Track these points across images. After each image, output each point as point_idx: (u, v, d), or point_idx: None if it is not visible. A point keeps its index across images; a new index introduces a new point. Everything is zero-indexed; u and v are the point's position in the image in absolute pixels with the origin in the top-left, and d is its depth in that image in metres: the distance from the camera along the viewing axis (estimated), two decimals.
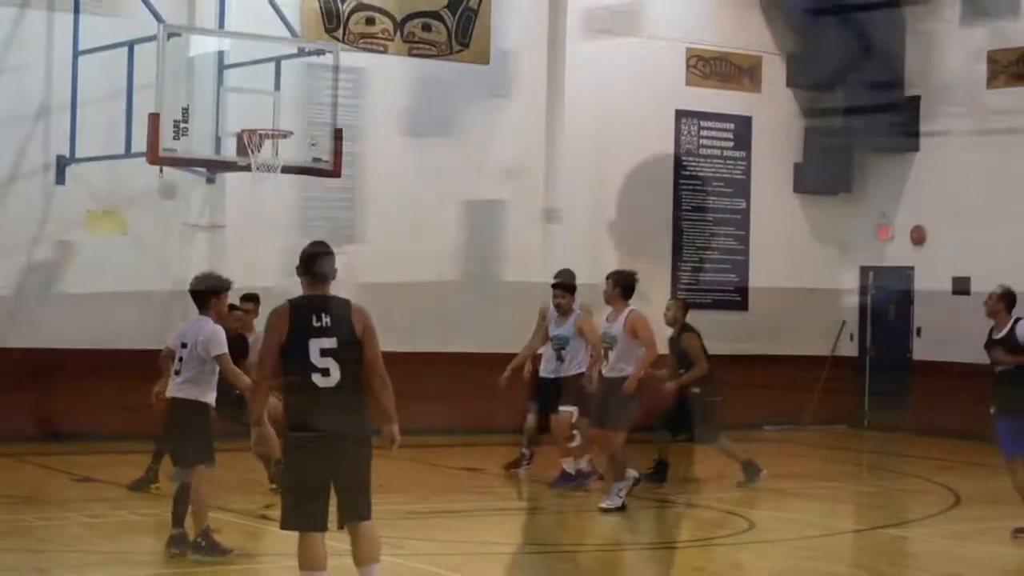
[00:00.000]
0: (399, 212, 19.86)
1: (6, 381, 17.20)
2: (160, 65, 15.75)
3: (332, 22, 19.59)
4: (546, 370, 15.36)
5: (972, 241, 21.31)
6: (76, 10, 17.63)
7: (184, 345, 10.93)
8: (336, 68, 16.96)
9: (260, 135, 16.42)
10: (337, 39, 19.10)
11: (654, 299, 15.91)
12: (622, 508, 13.50)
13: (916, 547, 12.92)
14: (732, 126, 22.53)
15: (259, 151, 16.35)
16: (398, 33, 20.06)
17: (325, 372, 8.26)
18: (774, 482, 15.75)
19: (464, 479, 16.07)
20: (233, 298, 12.69)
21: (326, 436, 8.24)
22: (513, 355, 15.78)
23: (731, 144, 22.55)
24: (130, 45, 16.58)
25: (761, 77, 22.71)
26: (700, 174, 22.28)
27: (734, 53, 22.43)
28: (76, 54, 17.57)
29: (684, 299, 17.09)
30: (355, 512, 8.36)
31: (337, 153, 16.94)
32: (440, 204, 19.98)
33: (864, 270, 23.27)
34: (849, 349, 23.27)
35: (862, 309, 23.23)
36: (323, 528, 8.32)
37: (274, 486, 14.05)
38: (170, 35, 15.92)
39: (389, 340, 8.92)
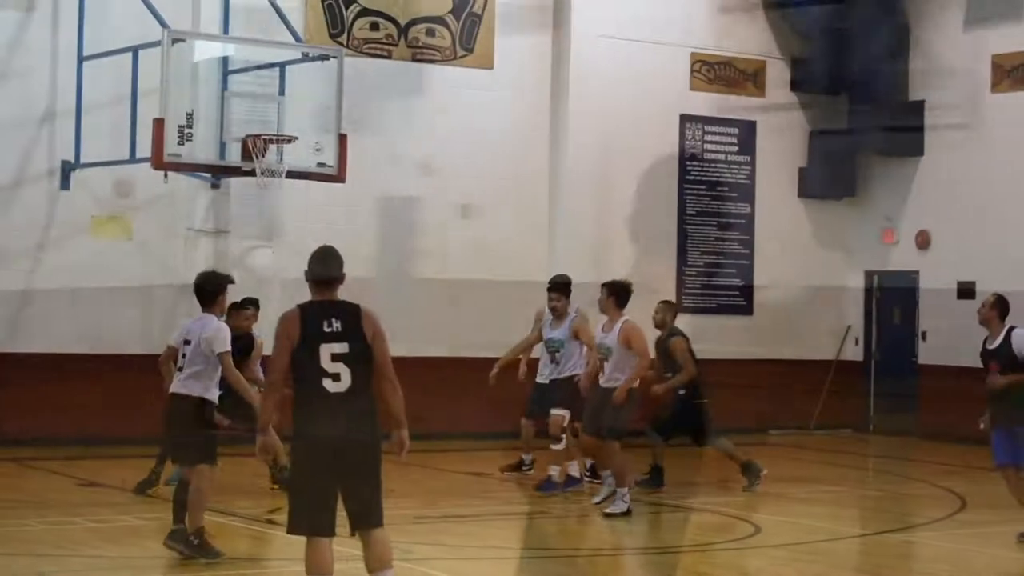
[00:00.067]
0: (396, 214, 19.93)
1: (12, 385, 17.22)
2: (164, 70, 15.79)
3: (336, 27, 19.60)
4: (541, 375, 15.43)
5: (977, 245, 21.32)
6: (81, 15, 17.65)
7: (188, 342, 10.90)
8: (340, 73, 16.96)
9: (264, 140, 16.44)
10: (341, 44, 19.10)
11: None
12: (627, 513, 13.53)
13: (921, 551, 12.90)
14: (736, 131, 22.51)
15: (263, 156, 16.37)
16: (402, 38, 20.05)
17: (336, 377, 8.20)
18: (779, 486, 15.75)
19: (471, 483, 16.09)
20: (233, 298, 12.69)
21: (336, 441, 8.18)
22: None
23: (735, 149, 22.53)
24: (134, 50, 16.60)
25: (765, 82, 22.68)
26: (704, 179, 22.26)
27: (738, 58, 22.40)
28: (81, 59, 17.58)
29: (672, 301, 16.83)
30: (367, 519, 8.30)
31: (342, 158, 16.95)
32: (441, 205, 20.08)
33: (869, 274, 23.24)
34: (854, 353, 23.23)
35: (867, 313, 23.22)
36: (331, 533, 8.27)
37: (276, 487, 14.07)
38: (174, 40, 15.94)
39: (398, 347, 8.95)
